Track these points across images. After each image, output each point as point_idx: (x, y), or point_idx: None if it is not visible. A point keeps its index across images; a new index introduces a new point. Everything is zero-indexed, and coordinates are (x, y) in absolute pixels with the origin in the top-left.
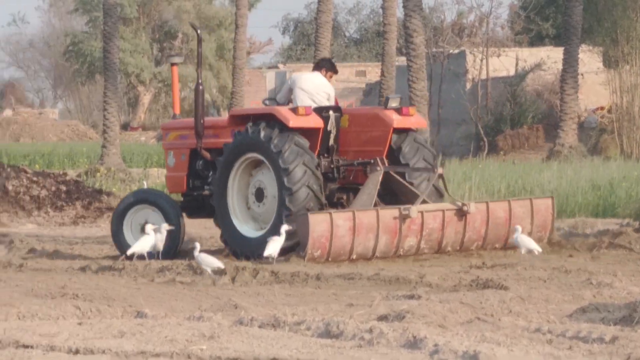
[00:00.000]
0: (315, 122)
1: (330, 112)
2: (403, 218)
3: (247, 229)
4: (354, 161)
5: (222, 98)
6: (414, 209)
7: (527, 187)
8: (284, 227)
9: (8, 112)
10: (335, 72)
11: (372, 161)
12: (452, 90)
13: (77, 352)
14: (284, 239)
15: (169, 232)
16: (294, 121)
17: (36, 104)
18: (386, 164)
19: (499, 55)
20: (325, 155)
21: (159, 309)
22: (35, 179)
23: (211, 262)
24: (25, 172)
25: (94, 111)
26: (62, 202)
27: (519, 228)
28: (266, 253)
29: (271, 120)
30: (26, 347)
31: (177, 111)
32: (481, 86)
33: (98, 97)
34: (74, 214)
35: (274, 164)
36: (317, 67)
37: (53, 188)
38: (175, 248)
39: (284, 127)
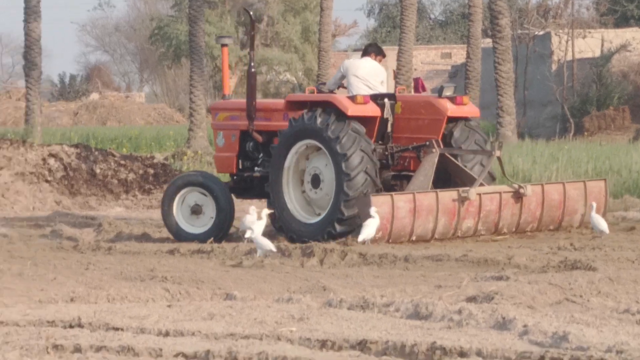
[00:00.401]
0: (373, 110)
1: (386, 100)
2: (462, 200)
3: (303, 215)
4: (408, 146)
5: (307, 80)
6: (473, 191)
7: (614, 168)
8: (373, 210)
9: (95, 96)
10: (384, 55)
11: (427, 143)
12: (537, 71)
13: (166, 334)
14: (378, 221)
15: (222, 216)
16: (352, 109)
17: (122, 87)
18: (441, 146)
19: (584, 37)
20: (380, 142)
21: (248, 291)
22: (122, 162)
23: (264, 245)
24: (113, 155)
25: (180, 94)
26: (150, 185)
27: (594, 205)
28: (361, 238)
29: (328, 108)
30: (116, 329)
31: (227, 92)
32: (567, 67)
33: (184, 81)
34: (161, 196)
35: (331, 150)
36: (366, 52)
37: (140, 171)
38: (226, 231)
39: (341, 115)
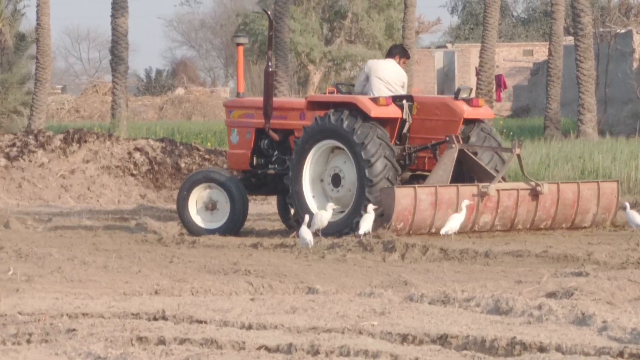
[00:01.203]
0: (394, 112)
1: (404, 102)
2: (481, 195)
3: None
4: (427, 144)
5: None
6: (493, 187)
7: None
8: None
9: (180, 91)
10: (408, 57)
11: (447, 139)
12: (618, 69)
13: (249, 327)
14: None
15: (236, 212)
16: (375, 111)
17: (208, 82)
18: (461, 142)
19: None
20: (397, 142)
21: (330, 285)
22: (207, 156)
23: (306, 238)
24: (198, 149)
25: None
26: None
27: (627, 204)
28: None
29: (352, 109)
30: (200, 322)
31: (241, 90)
32: None
33: None
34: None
35: (355, 153)
36: (390, 54)
37: (225, 166)
38: (239, 227)
39: (365, 117)
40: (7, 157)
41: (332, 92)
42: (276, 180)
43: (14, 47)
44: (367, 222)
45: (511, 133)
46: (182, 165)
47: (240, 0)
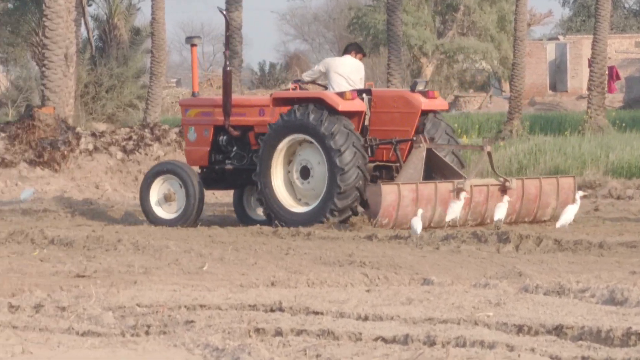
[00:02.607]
0: (360, 105)
1: (364, 95)
2: (457, 191)
3: (292, 203)
4: (392, 139)
5: (502, 69)
6: (468, 183)
7: None
8: (579, 194)
9: None
10: (364, 54)
11: (414, 138)
12: None
13: (366, 318)
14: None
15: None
16: (342, 105)
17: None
18: (427, 142)
19: None
20: (360, 135)
21: (445, 276)
22: None
23: (415, 227)
24: None
25: (377, 82)
26: None
27: None
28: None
29: (316, 104)
30: (316, 313)
31: (196, 89)
32: None
33: (382, 69)
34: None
35: (324, 145)
36: (346, 50)
37: None
38: (195, 218)
39: (332, 111)
40: (124, 150)
41: (295, 88)
42: (234, 175)
43: (129, 41)
44: (501, 211)
45: (623, 124)
46: None
47: None
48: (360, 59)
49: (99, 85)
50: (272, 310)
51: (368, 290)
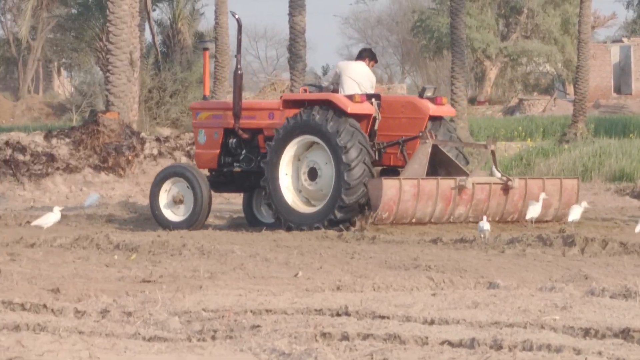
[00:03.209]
0: (368, 109)
1: (373, 100)
2: (458, 188)
3: (300, 205)
4: (399, 140)
5: (566, 72)
6: (470, 180)
7: None
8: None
9: None
10: (376, 61)
11: (421, 134)
12: None
13: (432, 322)
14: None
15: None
16: (351, 107)
17: (384, 79)
18: (433, 138)
19: None
20: (368, 139)
21: (511, 280)
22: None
23: (484, 228)
24: None
25: (441, 85)
26: None
27: None
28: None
29: (324, 106)
30: (382, 317)
31: (207, 93)
32: None
33: (445, 72)
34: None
35: (330, 144)
36: (360, 57)
37: None
38: (203, 220)
39: (339, 112)
40: (188, 155)
41: (305, 91)
42: (243, 178)
43: (193, 46)
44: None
45: None
46: None
47: None
48: (372, 67)
49: (163, 90)
50: (338, 315)
51: (434, 294)
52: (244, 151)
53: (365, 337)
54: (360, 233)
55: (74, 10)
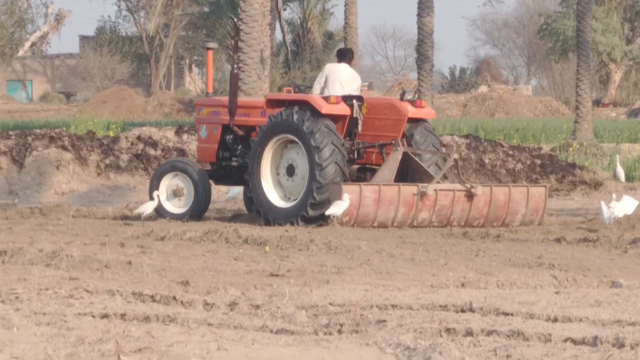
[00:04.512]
0: (344, 110)
1: (354, 101)
2: (420, 194)
3: (278, 200)
4: (375, 143)
5: None
6: (431, 187)
7: None
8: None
9: (483, 88)
10: (352, 59)
11: (393, 142)
12: None
13: (555, 320)
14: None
15: (199, 199)
16: (326, 108)
17: (510, 80)
18: (405, 145)
19: None
20: (348, 138)
21: (634, 280)
22: (511, 152)
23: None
24: (502, 146)
25: (565, 88)
26: (537, 176)
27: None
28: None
29: (303, 106)
30: (506, 314)
31: (210, 90)
32: None
33: (570, 75)
34: (548, 186)
35: (305, 143)
36: (343, 58)
37: (528, 162)
38: (203, 211)
39: (316, 113)
40: None
41: (289, 92)
42: (240, 172)
43: (322, 45)
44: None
45: None
46: (486, 161)
47: (542, 0)
48: (352, 65)
49: None
50: (462, 311)
51: (557, 292)
52: (239, 146)
53: (489, 333)
54: (485, 231)
55: (206, 9)
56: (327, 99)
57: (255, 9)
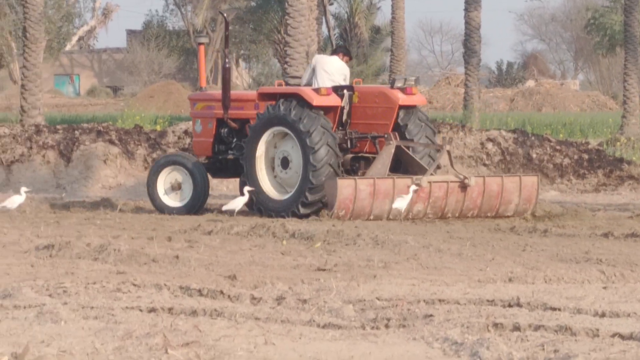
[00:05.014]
0: (335, 101)
1: (344, 91)
2: (415, 187)
3: (275, 194)
4: (367, 134)
5: None
6: (425, 179)
7: None
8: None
9: (531, 83)
10: (350, 57)
11: (386, 135)
12: None
13: (602, 315)
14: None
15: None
16: (317, 100)
17: (557, 75)
18: (397, 139)
19: None
20: (340, 128)
21: None
22: (558, 147)
23: None
24: (549, 140)
25: (613, 82)
26: (584, 170)
27: None
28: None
29: (294, 99)
30: (553, 309)
31: (203, 84)
32: None
33: (617, 69)
34: (595, 181)
35: (301, 140)
36: (335, 52)
37: (575, 156)
38: (202, 204)
39: (308, 105)
40: None
41: (280, 85)
42: (236, 164)
43: (369, 39)
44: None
45: None
46: (534, 155)
47: None
48: (347, 62)
49: None
50: (509, 306)
51: (605, 287)
52: (234, 140)
53: (537, 328)
54: (533, 226)
55: (253, 3)
56: (317, 90)
57: (302, 4)
